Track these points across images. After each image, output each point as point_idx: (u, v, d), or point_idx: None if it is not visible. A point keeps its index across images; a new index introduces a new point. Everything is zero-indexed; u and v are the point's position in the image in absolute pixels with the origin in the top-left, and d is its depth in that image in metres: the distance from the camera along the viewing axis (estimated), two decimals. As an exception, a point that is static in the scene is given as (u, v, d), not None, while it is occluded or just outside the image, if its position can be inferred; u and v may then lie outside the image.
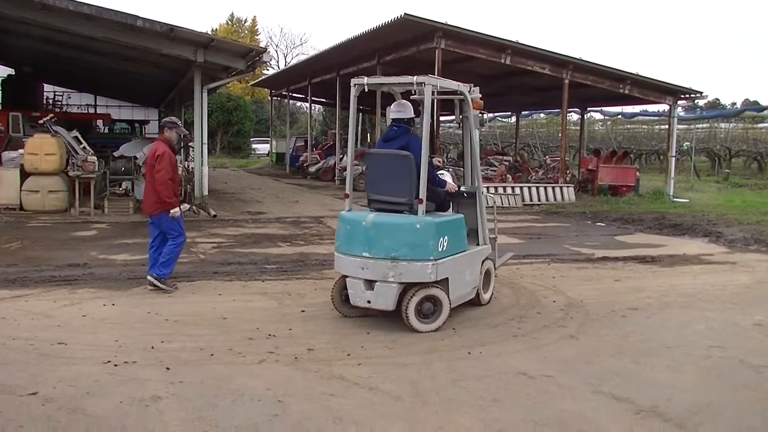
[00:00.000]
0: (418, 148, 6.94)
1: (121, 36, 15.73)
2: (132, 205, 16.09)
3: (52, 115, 18.37)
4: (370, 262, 6.91)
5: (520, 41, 20.36)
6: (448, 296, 6.98)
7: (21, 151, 15.93)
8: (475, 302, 7.76)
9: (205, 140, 17.30)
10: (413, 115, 7.46)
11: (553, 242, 13.16)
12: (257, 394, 5.17)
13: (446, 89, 7.68)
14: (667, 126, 25.11)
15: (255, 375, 5.59)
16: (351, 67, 24.47)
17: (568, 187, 21.49)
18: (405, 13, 18.40)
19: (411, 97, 8.05)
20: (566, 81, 21.34)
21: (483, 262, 7.81)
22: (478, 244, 7.86)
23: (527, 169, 25.71)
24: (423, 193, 6.77)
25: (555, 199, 20.78)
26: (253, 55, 16.31)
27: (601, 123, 49.75)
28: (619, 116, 44.13)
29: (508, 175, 22.94)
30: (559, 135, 28.02)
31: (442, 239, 6.85)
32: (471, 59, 20.90)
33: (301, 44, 71.65)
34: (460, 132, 8.66)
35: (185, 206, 16.04)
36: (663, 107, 27.79)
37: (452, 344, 6.51)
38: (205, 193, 16.88)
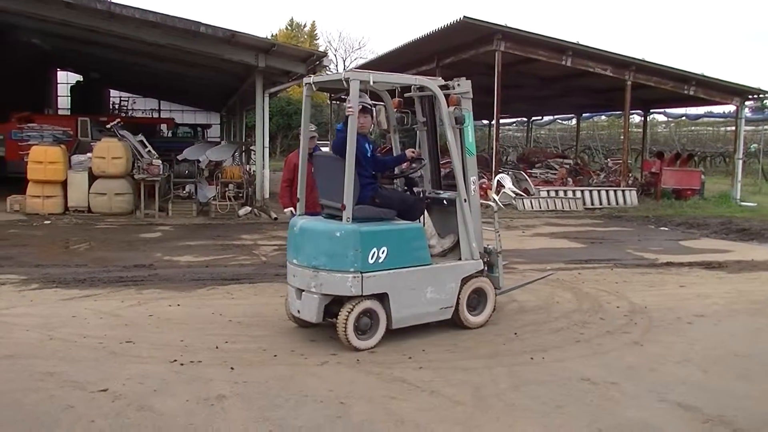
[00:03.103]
0: (360, 147, 6.40)
1: (185, 42, 16.12)
2: (195, 208, 16.43)
3: (118, 119, 18.89)
4: (298, 270, 6.61)
5: (580, 42, 20.14)
6: (388, 313, 6.42)
7: (89, 154, 16.41)
8: (458, 324, 6.98)
9: (267, 144, 17.56)
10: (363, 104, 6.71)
11: (616, 247, 12.94)
12: (320, 395, 5.22)
13: (401, 84, 7.15)
14: (733, 127, 24.48)
15: (317, 376, 5.65)
16: (410, 70, 24.53)
17: (630, 190, 21.10)
18: (464, 16, 18.37)
19: (405, 95, 7.67)
20: (628, 82, 20.99)
21: (466, 279, 6.97)
22: (460, 259, 7.05)
23: (588, 172, 25.34)
24: (348, 198, 6.19)
25: (617, 203, 20.42)
26: (314, 60, 16.50)
27: (664, 125, 48.68)
28: (683, 118, 43.11)
29: (568, 179, 22.65)
30: (621, 137, 27.56)
31: (373, 250, 6.26)
32: (531, 61, 20.77)
33: (360, 48, 72.19)
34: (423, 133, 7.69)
35: (246, 209, 16.39)
36: (729, 108, 27.10)
37: (514, 349, 6.46)
38: (266, 195, 17.14)
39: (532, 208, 19.21)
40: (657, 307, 8.08)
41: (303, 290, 6.52)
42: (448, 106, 6.86)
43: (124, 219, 15.46)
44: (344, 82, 6.37)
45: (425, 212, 7.12)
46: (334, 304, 6.40)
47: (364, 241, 6.24)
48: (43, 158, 15.67)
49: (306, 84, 6.97)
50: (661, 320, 7.56)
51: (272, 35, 56.24)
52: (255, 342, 6.53)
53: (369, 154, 6.73)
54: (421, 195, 7.41)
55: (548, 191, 20.18)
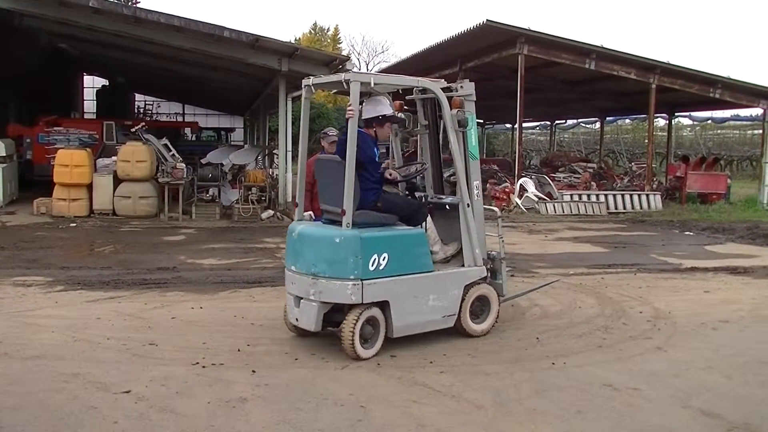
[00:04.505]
0: (364, 147, 6.20)
1: (209, 46, 16.25)
2: (218, 211, 16.55)
3: (143, 123, 19.06)
4: (296, 277, 6.39)
5: (604, 45, 20.05)
6: (388, 321, 6.24)
7: (114, 158, 16.59)
8: (461, 332, 6.77)
9: (290, 147, 17.65)
10: (386, 113, 6.62)
11: (639, 251, 12.83)
12: (340, 399, 5.24)
13: (402, 86, 6.95)
14: (760, 131, 24.17)
15: (338, 380, 5.66)
16: (433, 74, 24.53)
17: (654, 194, 20.93)
18: (487, 20, 18.36)
19: (406, 97, 7.48)
20: (653, 86, 20.84)
21: (470, 287, 6.78)
22: (463, 266, 6.84)
23: (612, 176, 25.19)
24: (348, 203, 5.98)
25: (641, 207, 20.26)
26: (336, 64, 16.55)
27: (689, 128, 48.25)
28: (709, 121, 42.69)
29: (592, 183, 22.51)
30: (646, 141, 27.34)
31: (375, 256, 6.05)
32: (554, 65, 20.69)
33: (383, 52, 72.09)
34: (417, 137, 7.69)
35: (269, 212, 16.47)
36: (756, 111, 26.78)
37: (535, 354, 6.43)
38: (289, 199, 17.21)
39: (555, 212, 19.10)
40: (681, 313, 8.00)
41: (302, 298, 6.32)
42: (451, 109, 6.69)
43: (148, 222, 15.60)
44: (344, 84, 6.19)
45: (428, 218, 6.96)
46: (333, 313, 6.23)
47: (365, 248, 6.04)
48: (69, 161, 15.85)
49: (305, 86, 6.73)
50: (685, 326, 7.48)
51: (296, 39, 56.53)
52: (277, 345, 6.56)
53: (377, 159, 6.60)
54: (424, 200, 7.24)
55: (571, 195, 20.05)
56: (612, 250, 12.99)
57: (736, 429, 4.82)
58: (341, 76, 6.27)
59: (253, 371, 5.80)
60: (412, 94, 7.42)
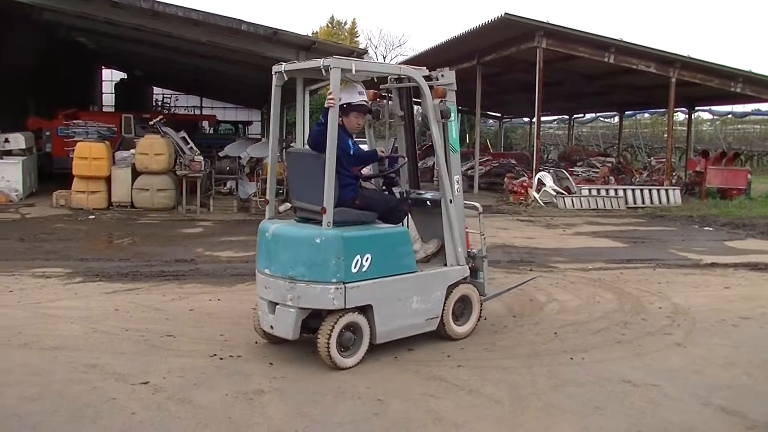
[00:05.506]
0: (343, 144, 5.80)
1: (226, 40, 16.26)
2: (236, 204, 16.59)
3: (161, 116, 19.13)
4: (271, 281, 5.89)
5: (623, 39, 19.88)
6: (371, 327, 5.83)
7: (132, 151, 16.66)
8: (443, 335, 6.44)
9: (307, 141, 17.65)
10: (351, 101, 6.10)
11: (658, 247, 12.73)
12: (357, 392, 5.23)
13: (384, 74, 6.71)
14: (782, 126, 23.91)
15: (355, 373, 5.64)
16: (450, 67, 24.45)
17: (673, 189, 20.76)
18: (505, 13, 18.28)
19: (381, 86, 7.14)
20: (673, 79, 20.64)
21: (452, 287, 6.43)
22: (445, 265, 6.48)
23: (631, 171, 25.02)
24: (329, 200, 5.55)
25: (660, 202, 20.10)
26: (354, 57, 16.51)
27: (709, 123, 47.83)
28: (729, 115, 42.30)
29: (610, 177, 22.37)
30: (665, 135, 27.12)
31: (357, 257, 5.63)
32: (573, 58, 20.57)
33: (400, 45, 71.76)
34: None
35: (286, 205, 16.47)
36: (778, 106, 26.47)
37: (553, 349, 6.38)
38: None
39: (573, 206, 19.00)
40: (701, 309, 7.92)
41: (277, 304, 5.84)
42: (433, 99, 6.32)
43: (166, 214, 15.68)
44: (323, 71, 5.78)
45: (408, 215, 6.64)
46: (311, 318, 5.80)
47: (347, 248, 5.61)
48: (87, 154, 15.95)
49: (275, 72, 6.26)
50: (704, 322, 7.40)
51: (313, 33, 56.58)
52: (293, 338, 6.55)
53: (352, 152, 6.14)
54: (404, 195, 6.77)
55: (590, 190, 19.93)
56: (631, 245, 12.89)
57: (757, 427, 4.77)
58: (319, 62, 5.83)
59: (271, 364, 5.80)
60: (386, 83, 7.09)
